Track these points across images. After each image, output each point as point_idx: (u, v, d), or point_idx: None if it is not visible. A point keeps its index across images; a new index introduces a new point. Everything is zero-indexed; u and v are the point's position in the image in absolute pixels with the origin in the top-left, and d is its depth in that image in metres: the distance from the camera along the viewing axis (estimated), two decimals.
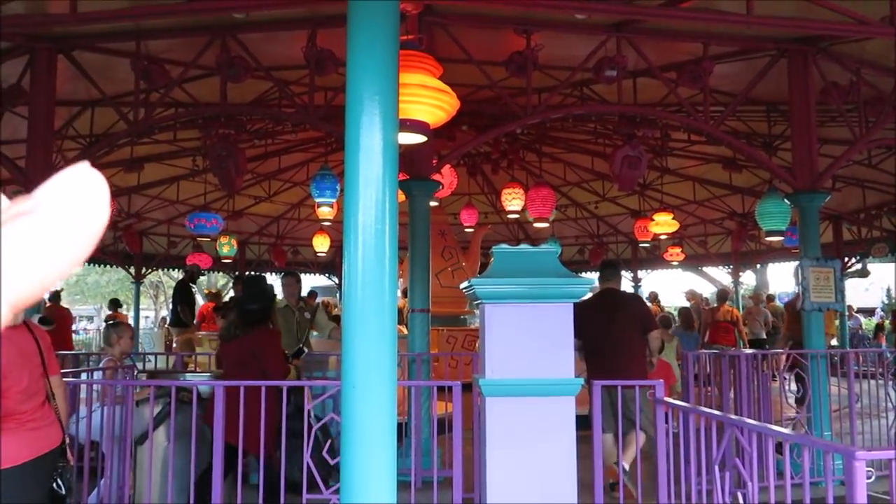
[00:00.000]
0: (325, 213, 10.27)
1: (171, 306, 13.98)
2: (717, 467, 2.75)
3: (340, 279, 19.40)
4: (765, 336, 12.57)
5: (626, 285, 18.47)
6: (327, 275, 19.90)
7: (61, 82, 7.00)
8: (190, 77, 7.26)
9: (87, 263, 16.94)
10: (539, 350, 3.23)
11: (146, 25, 6.39)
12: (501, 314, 3.26)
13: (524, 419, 3.22)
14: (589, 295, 4.66)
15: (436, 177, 6.68)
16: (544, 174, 11.83)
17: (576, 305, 3.17)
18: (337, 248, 17.38)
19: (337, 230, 16.07)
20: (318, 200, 9.67)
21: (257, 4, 4.88)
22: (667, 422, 3.51)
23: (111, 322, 7.21)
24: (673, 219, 12.12)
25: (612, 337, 5.05)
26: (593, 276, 5.32)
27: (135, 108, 6.96)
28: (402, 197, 5.62)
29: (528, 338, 3.24)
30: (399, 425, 3.07)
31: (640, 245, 15.71)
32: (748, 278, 22.39)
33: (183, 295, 11.71)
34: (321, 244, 14.22)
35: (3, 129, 7.50)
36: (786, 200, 7.22)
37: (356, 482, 2.08)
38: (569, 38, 6.82)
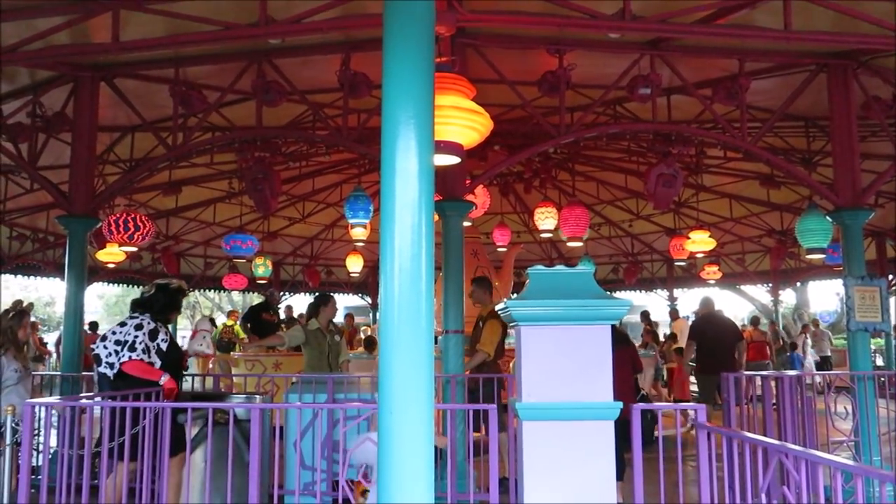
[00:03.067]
0: (359, 233, 10.33)
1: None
2: (763, 495, 2.66)
3: (374, 299, 19.51)
4: (829, 354, 12.59)
5: (662, 304, 18.20)
6: (360, 295, 19.98)
7: (103, 109, 7.20)
8: (226, 102, 7.40)
9: (126, 285, 17.27)
10: (577, 373, 3.17)
11: (184, 52, 6.54)
12: (538, 336, 3.22)
13: (562, 443, 3.16)
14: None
15: (469, 197, 6.67)
16: (577, 193, 11.75)
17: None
18: (370, 268, 17.48)
19: (370, 250, 16.17)
20: (351, 221, 9.73)
21: (293, 30, 4.96)
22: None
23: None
24: (709, 237, 11.92)
25: None
26: (629, 296, 5.25)
27: (173, 133, 7.12)
28: (435, 217, 5.62)
29: (565, 361, 3.18)
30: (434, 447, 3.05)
31: (676, 263, 15.47)
32: (788, 297, 21.90)
33: (254, 323, 11.35)
34: (354, 264, 14.29)
35: (47, 155, 7.73)
36: (827, 217, 7.04)
37: None
38: (602, 56, 6.80)
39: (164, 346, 4.58)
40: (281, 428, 5.09)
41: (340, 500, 3.55)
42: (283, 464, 5.28)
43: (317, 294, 7.80)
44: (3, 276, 14.91)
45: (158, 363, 4.54)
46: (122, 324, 4.63)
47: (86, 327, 9.86)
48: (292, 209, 13.94)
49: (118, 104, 7.36)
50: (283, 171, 9.92)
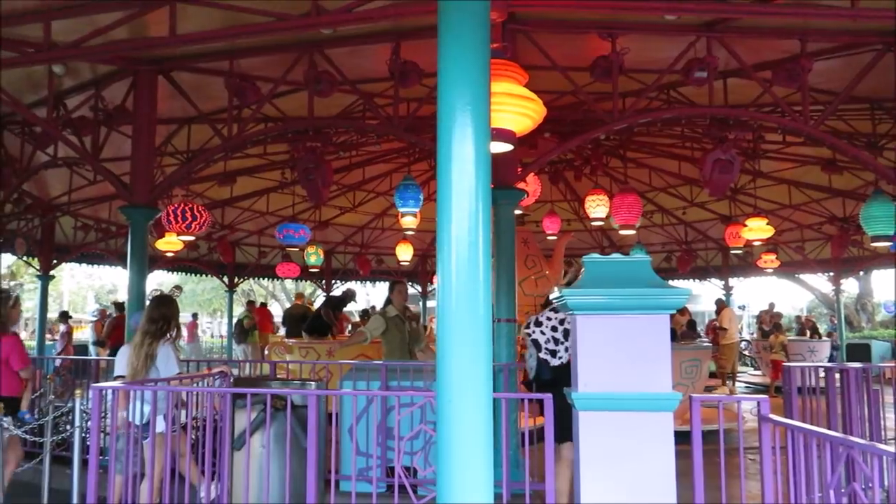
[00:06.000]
0: (409, 222, 10.38)
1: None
2: (831, 492, 2.57)
3: (424, 288, 19.57)
4: None
5: (717, 293, 17.78)
6: (410, 283, 20.11)
7: (160, 101, 7.38)
8: (279, 92, 7.49)
9: (184, 273, 17.77)
10: (634, 363, 3.12)
11: (238, 44, 6.64)
12: (594, 326, 3.18)
13: (619, 434, 3.11)
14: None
15: (520, 185, 6.62)
16: (629, 180, 11.55)
17: None
18: (420, 256, 17.57)
19: (420, 239, 16.23)
20: (401, 210, 9.77)
21: (344, 19, 4.98)
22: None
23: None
24: (767, 224, 11.58)
25: None
26: (684, 285, 5.15)
27: (228, 125, 7.25)
28: None
29: (622, 350, 3.14)
30: None
31: (732, 252, 15.09)
32: (850, 286, 21.15)
33: (313, 320, 11.49)
34: (404, 253, 14.38)
35: (109, 147, 7.97)
36: (894, 203, 6.76)
37: (453, 498, 2.05)
38: (656, 40, 6.64)
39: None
40: (335, 414, 5.16)
41: (396, 487, 3.58)
42: (338, 450, 5.36)
43: (390, 281, 7.77)
44: (68, 264, 15.50)
45: None
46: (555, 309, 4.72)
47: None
48: (343, 198, 14.08)
49: (175, 97, 7.52)
50: (334, 161, 10.00)
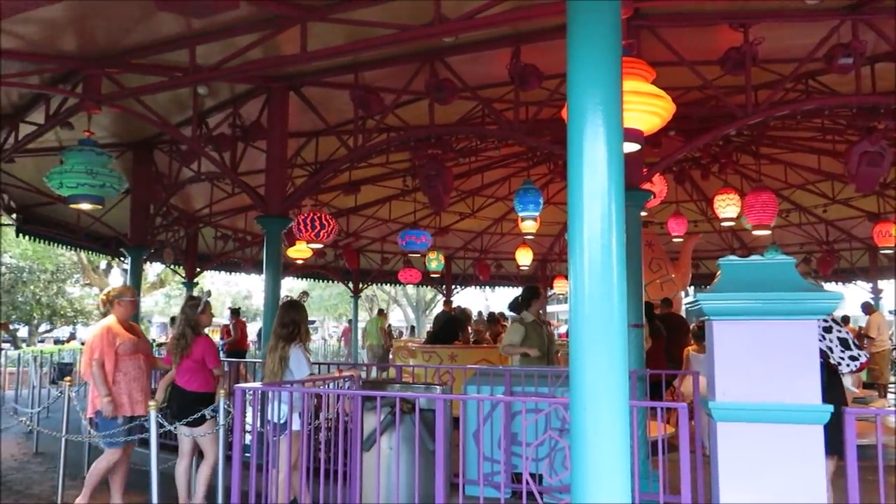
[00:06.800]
0: (529, 226, 10.33)
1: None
2: None
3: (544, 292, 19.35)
4: None
5: (865, 296, 16.44)
6: None
7: (290, 116, 7.76)
8: (401, 102, 7.68)
9: (312, 279, 18.61)
10: (778, 372, 2.92)
11: (362, 58, 6.86)
12: (733, 332, 3.00)
13: (763, 448, 2.93)
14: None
15: (645, 186, 6.41)
16: (762, 177, 10.91)
17: None
18: (539, 261, 17.43)
19: (539, 243, 16.12)
20: (521, 214, 9.74)
21: (466, 26, 5.02)
22: None
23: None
24: None
25: None
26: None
27: (354, 136, 7.51)
28: None
29: (764, 358, 2.95)
30: None
31: (881, 251, 13.89)
32: None
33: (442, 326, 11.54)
34: (524, 257, 14.31)
35: (244, 161, 8.48)
36: None
37: None
38: (793, 27, 6.24)
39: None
40: (458, 419, 5.20)
41: (524, 494, 3.55)
42: (463, 453, 5.38)
43: (525, 286, 7.69)
44: (208, 272, 16.63)
45: None
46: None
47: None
48: (462, 204, 14.23)
49: (304, 111, 7.89)
50: (454, 168, 10.13)
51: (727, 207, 9.98)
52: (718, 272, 3.20)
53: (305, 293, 5.68)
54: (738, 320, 3.00)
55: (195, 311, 5.36)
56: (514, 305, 6.94)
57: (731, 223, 10.49)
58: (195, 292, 5.56)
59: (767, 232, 10.10)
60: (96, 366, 5.06)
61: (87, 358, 5.18)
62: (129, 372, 5.21)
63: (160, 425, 4.86)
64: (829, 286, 16.38)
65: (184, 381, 5.23)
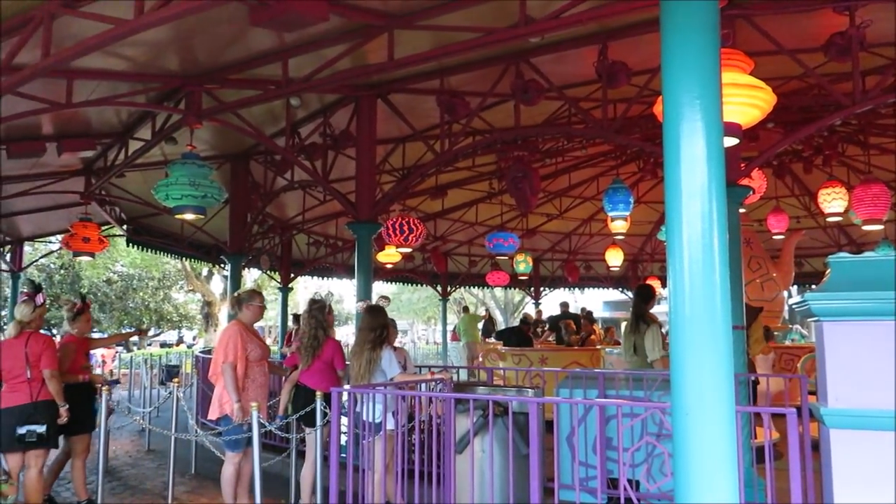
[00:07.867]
0: (619, 226, 10.10)
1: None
2: None
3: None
4: None
5: None
6: (621, 289, 19.56)
7: (378, 123, 7.91)
8: (487, 105, 7.68)
9: (401, 283, 18.89)
10: None
11: (447, 63, 6.91)
12: (846, 334, 2.83)
13: (880, 457, 2.74)
14: None
15: (743, 181, 6.14)
16: (872, 169, 10.24)
17: None
18: (630, 261, 17.02)
19: (629, 244, 15.73)
20: (611, 214, 9.54)
21: (552, 26, 4.95)
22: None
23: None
24: None
25: None
26: None
27: (440, 140, 7.58)
28: None
29: (882, 362, 2.76)
30: None
31: None
32: None
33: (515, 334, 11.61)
34: (614, 258, 14.01)
35: (335, 170, 8.71)
36: None
37: None
38: None
39: None
40: (551, 422, 5.14)
41: (623, 500, 3.46)
42: (555, 458, 5.31)
43: (638, 286, 7.34)
44: (302, 277, 17.17)
45: None
46: None
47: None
48: (549, 205, 14.09)
49: (391, 117, 8.02)
50: (540, 168, 10.04)
51: (833, 202, 9.44)
52: (827, 270, 3.03)
53: (386, 298, 5.79)
54: (851, 321, 2.83)
55: (323, 312, 5.52)
56: (636, 306, 6.57)
57: (838, 218, 9.91)
58: (315, 295, 5.69)
59: (880, 227, 9.46)
60: (229, 369, 4.93)
61: (218, 359, 5.04)
62: (256, 378, 5.14)
63: (285, 428, 4.99)
64: None
65: (313, 382, 5.31)
